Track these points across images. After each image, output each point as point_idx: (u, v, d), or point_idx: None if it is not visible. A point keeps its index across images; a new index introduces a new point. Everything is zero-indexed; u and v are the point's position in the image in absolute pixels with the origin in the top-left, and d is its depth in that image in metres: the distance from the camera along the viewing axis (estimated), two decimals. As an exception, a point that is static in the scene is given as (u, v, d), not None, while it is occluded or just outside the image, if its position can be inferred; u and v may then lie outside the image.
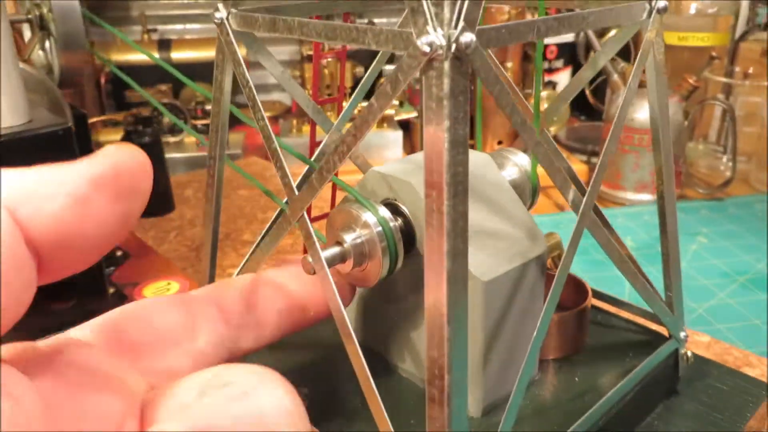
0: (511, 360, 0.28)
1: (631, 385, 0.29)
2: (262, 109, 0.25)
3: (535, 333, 0.24)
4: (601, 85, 0.97)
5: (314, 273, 0.24)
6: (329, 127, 0.33)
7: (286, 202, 0.25)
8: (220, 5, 0.26)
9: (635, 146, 0.81)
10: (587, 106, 1.01)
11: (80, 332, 0.19)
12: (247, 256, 0.29)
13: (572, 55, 1.02)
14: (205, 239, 0.31)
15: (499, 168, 0.31)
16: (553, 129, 0.87)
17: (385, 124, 1.00)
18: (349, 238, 0.26)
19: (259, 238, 0.29)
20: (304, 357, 0.33)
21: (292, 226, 0.25)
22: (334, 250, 0.25)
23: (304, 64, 1.02)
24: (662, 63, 0.28)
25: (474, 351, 0.26)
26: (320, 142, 0.34)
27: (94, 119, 0.74)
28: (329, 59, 0.95)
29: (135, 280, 0.50)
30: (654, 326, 0.34)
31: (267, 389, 0.15)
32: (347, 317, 0.23)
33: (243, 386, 0.15)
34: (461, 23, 0.18)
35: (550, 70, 0.99)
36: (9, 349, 0.17)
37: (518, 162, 0.32)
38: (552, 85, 1.00)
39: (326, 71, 0.91)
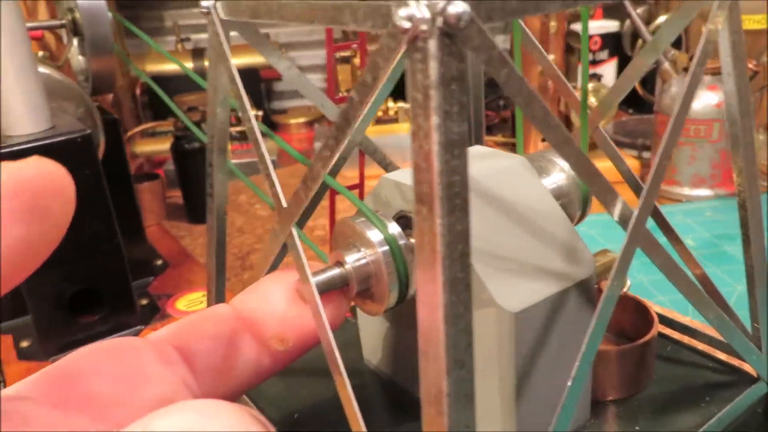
0: (554, 405, 0.23)
1: (706, 437, 0.24)
2: (249, 109, 0.22)
3: (573, 375, 0.19)
4: (649, 74, 0.89)
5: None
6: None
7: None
8: (208, -8, 0.23)
9: (691, 138, 0.75)
10: (636, 97, 0.93)
11: (14, 389, 0.16)
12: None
13: (617, 46, 0.94)
14: (207, 257, 0.28)
15: (542, 173, 0.27)
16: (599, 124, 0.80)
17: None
18: (351, 259, 0.22)
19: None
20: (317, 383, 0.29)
21: (281, 243, 0.22)
22: (333, 272, 0.22)
23: (337, 65, 0.99)
24: (741, 45, 0.22)
25: (504, 395, 0.22)
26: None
27: (135, 129, 0.74)
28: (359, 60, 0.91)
29: (170, 291, 0.48)
30: (737, 361, 0.28)
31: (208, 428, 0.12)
32: (338, 352, 0.20)
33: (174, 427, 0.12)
34: (451, -12, 0.14)
35: (594, 62, 0.92)
36: None
37: (565, 166, 0.27)
38: (597, 77, 0.92)
39: (359, 72, 0.87)
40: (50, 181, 0.13)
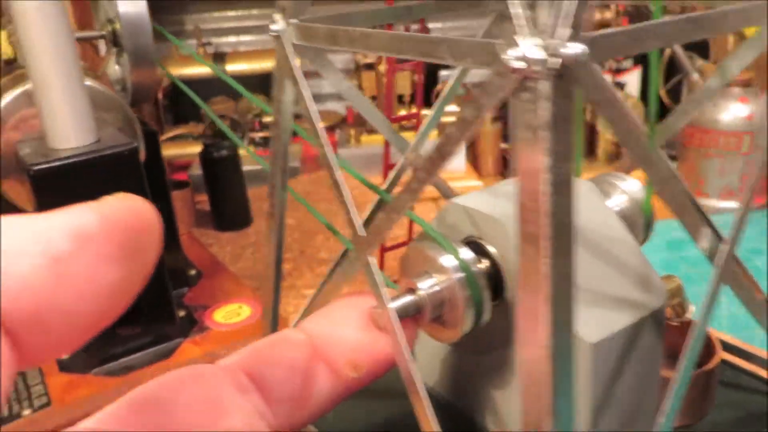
0: (622, 432, 0.23)
1: (773, 467, 0.24)
2: (324, 134, 0.22)
3: (664, 410, 0.19)
4: (676, 85, 0.90)
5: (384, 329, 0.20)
6: (404, 147, 0.30)
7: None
8: (277, 16, 0.23)
9: (721, 150, 0.75)
10: (662, 107, 0.93)
11: (93, 421, 0.16)
12: (307, 302, 0.26)
13: (642, 55, 0.93)
14: (264, 277, 0.28)
15: (604, 196, 0.26)
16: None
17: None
18: (424, 285, 0.22)
19: (323, 281, 0.25)
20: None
21: (357, 271, 0.21)
22: (406, 299, 0.21)
23: (361, 72, 0.98)
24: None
25: (579, 426, 0.22)
26: (395, 165, 0.31)
27: (166, 135, 0.74)
28: (384, 67, 0.91)
29: (206, 303, 0.48)
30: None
31: None
32: (418, 378, 0.20)
33: None
34: (566, 29, 0.13)
35: (618, 71, 0.91)
36: None
37: (628, 189, 0.27)
38: (620, 86, 0.92)
39: (384, 80, 0.86)
40: (141, 220, 0.13)
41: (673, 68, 0.86)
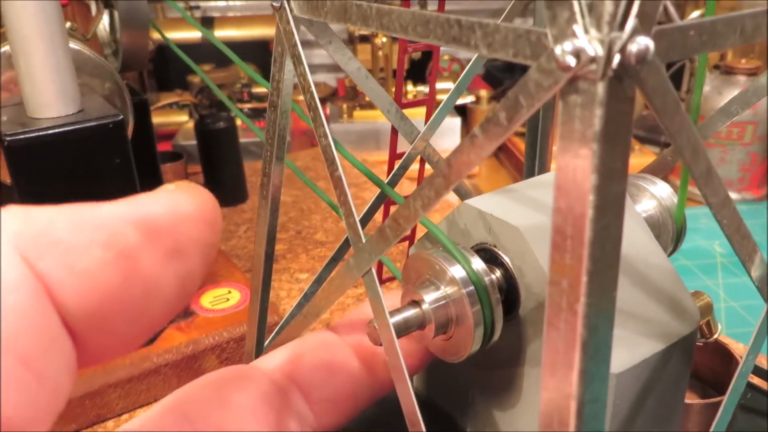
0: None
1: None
2: (325, 123, 0.19)
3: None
4: (677, 71, 0.87)
5: (381, 344, 0.18)
6: (413, 135, 0.27)
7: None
8: (279, -16, 0.20)
9: (722, 139, 0.73)
10: None
11: (135, 423, 0.16)
12: (298, 300, 0.23)
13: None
14: (254, 271, 0.25)
15: (631, 199, 0.24)
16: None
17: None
18: (429, 298, 0.19)
19: (312, 285, 0.23)
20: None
21: (355, 281, 0.19)
22: (408, 312, 0.19)
23: (356, 45, 0.94)
24: None
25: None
26: (402, 154, 0.28)
27: (157, 104, 0.71)
28: (384, 40, 0.87)
29: (194, 284, 0.45)
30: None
31: None
32: (416, 403, 0.18)
33: None
34: (632, 21, 0.11)
35: None
36: None
37: (657, 193, 0.24)
38: None
39: (380, 53, 0.83)
40: (205, 211, 0.12)
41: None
